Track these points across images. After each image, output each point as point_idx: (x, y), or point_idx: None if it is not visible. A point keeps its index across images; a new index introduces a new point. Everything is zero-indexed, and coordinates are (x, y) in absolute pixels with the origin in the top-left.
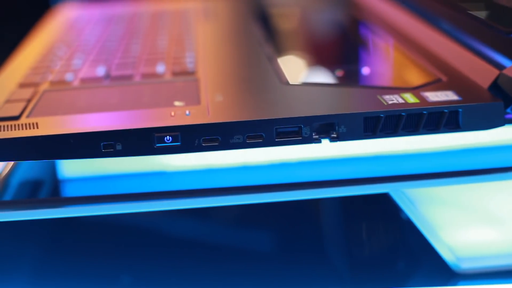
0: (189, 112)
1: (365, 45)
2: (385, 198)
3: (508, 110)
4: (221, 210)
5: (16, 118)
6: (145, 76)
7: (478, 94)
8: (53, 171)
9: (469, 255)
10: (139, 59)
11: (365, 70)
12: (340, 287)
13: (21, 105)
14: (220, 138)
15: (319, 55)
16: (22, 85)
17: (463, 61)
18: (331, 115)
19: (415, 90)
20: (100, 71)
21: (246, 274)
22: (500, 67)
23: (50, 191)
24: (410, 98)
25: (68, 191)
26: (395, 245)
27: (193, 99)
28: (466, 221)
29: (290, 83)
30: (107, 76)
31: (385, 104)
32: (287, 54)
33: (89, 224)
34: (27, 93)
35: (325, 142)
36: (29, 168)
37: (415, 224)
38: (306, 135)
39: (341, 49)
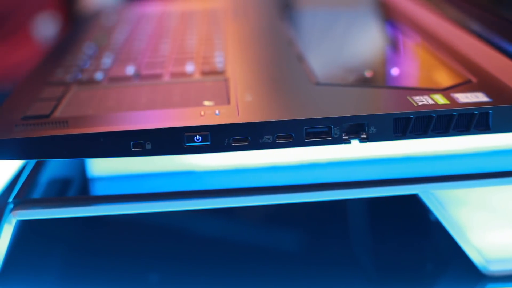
0: (219, 111)
1: (395, 45)
2: (414, 199)
3: None
4: (249, 210)
5: (47, 116)
6: (175, 75)
7: (509, 96)
8: (82, 169)
9: (498, 257)
10: (168, 58)
11: (395, 71)
12: None
13: (51, 104)
14: (249, 138)
15: (349, 55)
16: (53, 84)
17: (493, 62)
18: (361, 115)
19: (445, 91)
20: (130, 70)
21: (273, 274)
22: None
23: (79, 189)
24: (440, 99)
25: (97, 190)
26: (424, 246)
27: (223, 98)
28: (495, 223)
29: (320, 83)
30: (137, 75)
31: (415, 105)
32: (316, 54)
33: (117, 223)
34: (57, 92)
35: (355, 142)
36: (58, 167)
37: (444, 225)
38: (335, 136)
39: (371, 50)
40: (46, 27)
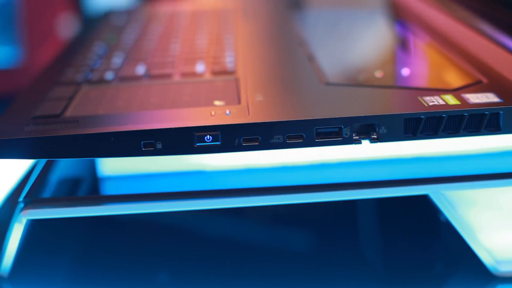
0: (229, 111)
1: (405, 46)
2: (424, 200)
3: None
4: (259, 210)
5: (57, 116)
6: (185, 75)
7: None
8: (93, 169)
9: (508, 257)
10: (178, 58)
11: (405, 71)
12: None
13: (62, 103)
14: (260, 138)
15: (359, 55)
16: (63, 84)
17: (504, 62)
18: (372, 116)
19: (455, 91)
20: (140, 70)
21: (283, 274)
22: None
23: (89, 189)
24: (450, 99)
25: (107, 189)
26: (433, 247)
27: (233, 98)
28: (505, 224)
29: (330, 83)
30: (147, 75)
31: (426, 105)
32: (326, 54)
33: (127, 223)
34: (68, 91)
35: (365, 143)
36: (69, 166)
37: (454, 226)
38: (346, 136)
39: (381, 50)
40: (68, 27)
